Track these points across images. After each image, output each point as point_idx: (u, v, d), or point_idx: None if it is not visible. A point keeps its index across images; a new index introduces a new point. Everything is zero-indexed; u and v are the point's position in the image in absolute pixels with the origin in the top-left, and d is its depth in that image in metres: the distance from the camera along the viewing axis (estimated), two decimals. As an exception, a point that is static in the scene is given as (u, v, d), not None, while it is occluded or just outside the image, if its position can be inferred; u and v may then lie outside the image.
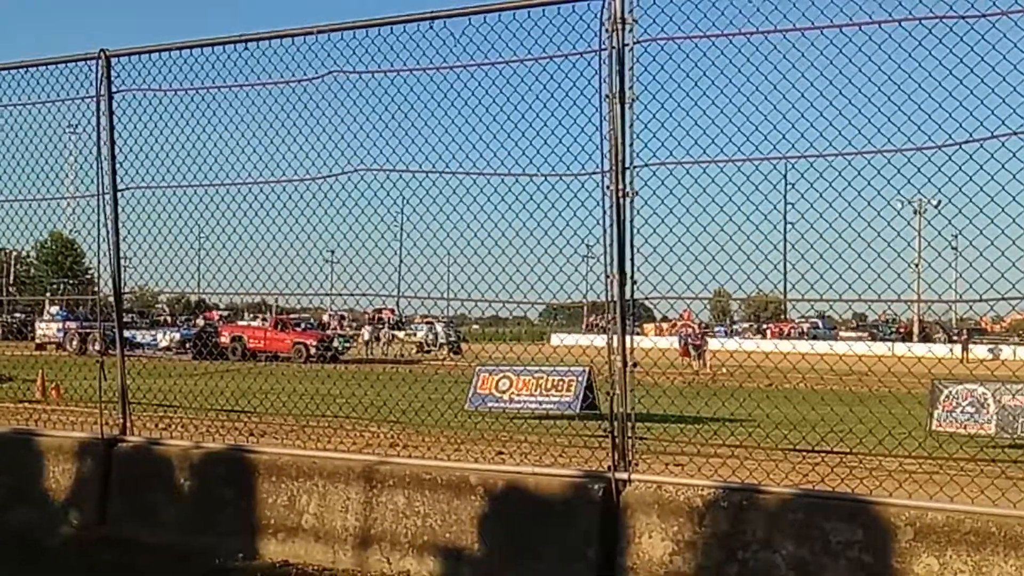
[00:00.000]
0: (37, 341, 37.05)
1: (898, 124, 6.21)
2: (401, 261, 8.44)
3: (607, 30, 6.74)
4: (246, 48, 8.12)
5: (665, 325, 33.82)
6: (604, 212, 6.81)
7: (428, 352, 42.49)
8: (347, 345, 40.35)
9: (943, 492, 6.31)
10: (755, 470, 6.98)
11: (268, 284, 8.65)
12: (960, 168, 6.05)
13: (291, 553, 7.40)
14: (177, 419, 10.47)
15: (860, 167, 6.40)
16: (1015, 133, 5.86)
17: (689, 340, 33.20)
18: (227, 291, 8.97)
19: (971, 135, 5.97)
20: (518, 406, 15.87)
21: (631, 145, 6.77)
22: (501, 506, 6.87)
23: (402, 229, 8.51)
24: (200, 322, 37.47)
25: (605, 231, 6.79)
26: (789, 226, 6.88)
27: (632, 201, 6.79)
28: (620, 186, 6.75)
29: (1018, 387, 12.81)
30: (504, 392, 16.00)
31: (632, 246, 6.80)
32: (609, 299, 6.84)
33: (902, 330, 52.97)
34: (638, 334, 7.44)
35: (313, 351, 37.35)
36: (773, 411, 10.06)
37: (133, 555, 7.54)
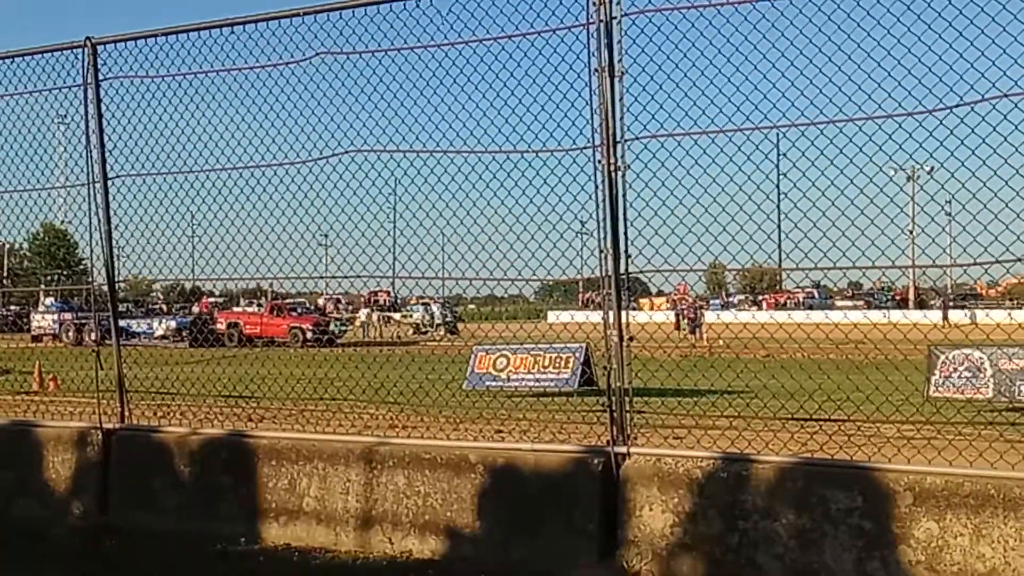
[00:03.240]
0: (33, 333, 37.03)
1: (888, 90, 6.19)
2: (395, 242, 8.43)
3: (594, 3, 6.70)
4: (232, 32, 8.06)
5: (659, 300, 33.79)
6: (596, 187, 6.80)
7: (425, 333, 42.49)
8: (344, 329, 40.28)
9: (941, 456, 6.33)
10: (753, 440, 7.00)
11: (262, 269, 8.63)
12: (951, 132, 6.03)
13: (293, 536, 7.42)
14: (175, 407, 10.45)
15: (851, 134, 6.38)
16: (1005, 95, 5.84)
17: (684, 313, 33.20)
18: (221, 277, 8.95)
19: (961, 99, 5.95)
20: (516, 384, 15.91)
21: (622, 118, 6.75)
22: (501, 483, 6.89)
23: (395, 210, 8.50)
24: (195, 309, 37.43)
25: (598, 206, 6.78)
26: (782, 195, 6.87)
27: (624, 175, 6.77)
28: (612, 160, 6.74)
29: (1014, 351, 12.86)
30: (502, 371, 16.04)
31: (626, 220, 6.79)
32: (604, 274, 6.84)
33: (898, 297, 53.02)
34: (634, 309, 7.43)
35: (309, 335, 37.30)
36: (770, 381, 10.06)
37: (136, 542, 7.56)
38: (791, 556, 5.99)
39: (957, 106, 5.98)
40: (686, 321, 32.98)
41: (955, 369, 13.34)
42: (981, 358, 13.20)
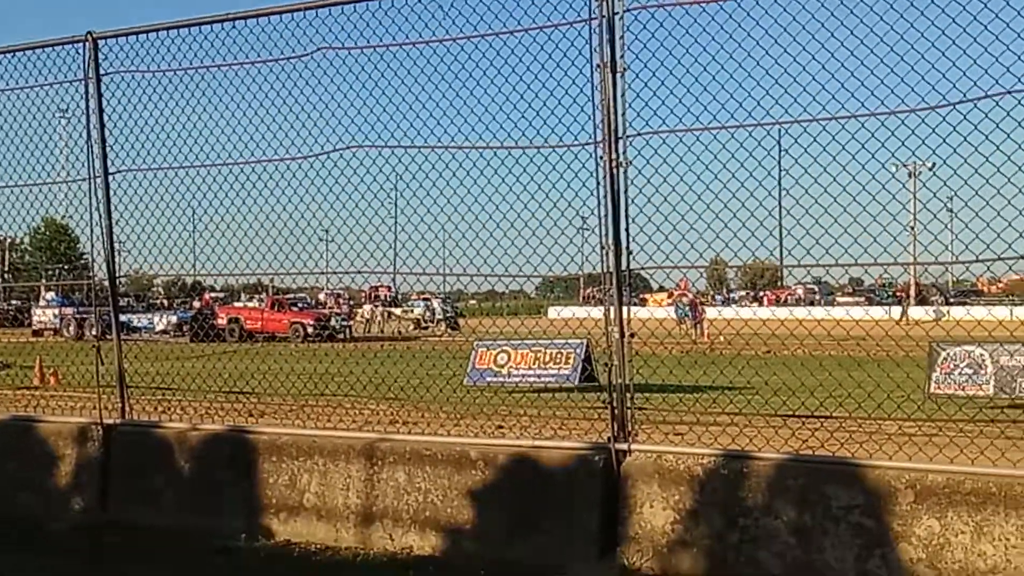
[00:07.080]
0: (34, 327, 37.08)
1: (891, 86, 6.16)
2: (396, 238, 8.42)
3: (596, -1, 6.68)
4: (233, 27, 8.05)
5: (660, 296, 33.84)
6: (598, 183, 6.78)
7: (425, 328, 42.51)
8: (345, 324, 40.31)
9: (943, 454, 6.32)
10: (754, 437, 6.97)
11: (263, 264, 8.62)
12: (954, 129, 6.02)
13: (293, 532, 7.41)
14: (176, 402, 10.46)
15: (854, 130, 6.37)
16: (1008, 92, 5.82)
17: (690, 310, 33.25)
18: (222, 272, 8.94)
19: (965, 95, 5.93)
20: (517, 380, 15.89)
21: (623, 114, 6.74)
22: (502, 480, 6.88)
23: (396, 205, 8.49)
24: (196, 304, 37.48)
25: (599, 202, 6.76)
26: (784, 192, 6.85)
27: (626, 171, 6.76)
28: (613, 156, 6.72)
29: (1015, 347, 12.84)
30: (502, 366, 16.02)
31: (627, 216, 6.77)
32: (605, 270, 6.82)
33: (899, 294, 52.98)
34: (636, 304, 7.42)
35: (311, 330, 37.36)
36: (771, 378, 10.03)
37: (136, 538, 7.56)
38: (791, 553, 5.98)
39: (960, 102, 5.96)
40: (689, 315, 33.04)
41: (956, 366, 13.31)
42: (982, 355, 13.17)
